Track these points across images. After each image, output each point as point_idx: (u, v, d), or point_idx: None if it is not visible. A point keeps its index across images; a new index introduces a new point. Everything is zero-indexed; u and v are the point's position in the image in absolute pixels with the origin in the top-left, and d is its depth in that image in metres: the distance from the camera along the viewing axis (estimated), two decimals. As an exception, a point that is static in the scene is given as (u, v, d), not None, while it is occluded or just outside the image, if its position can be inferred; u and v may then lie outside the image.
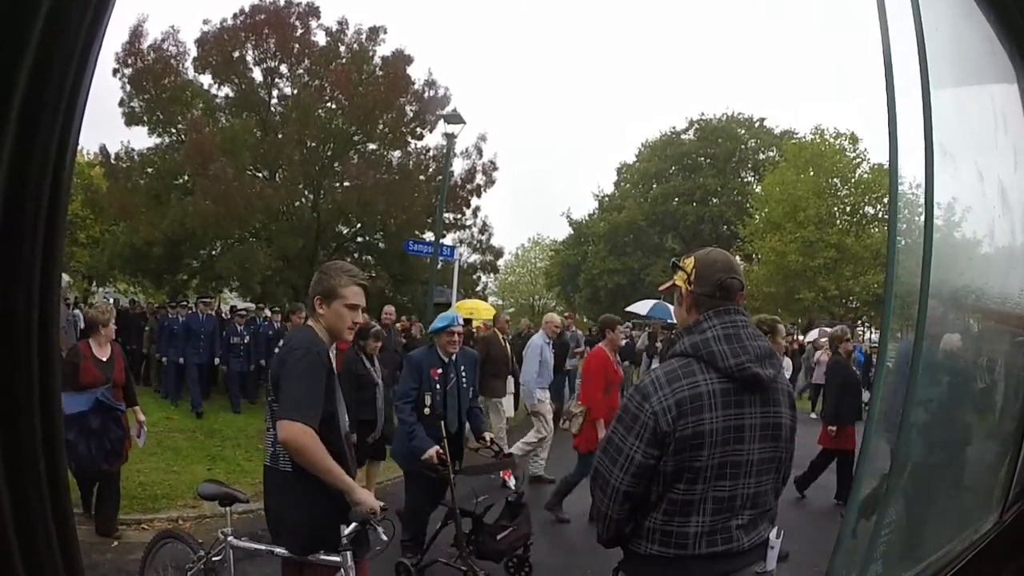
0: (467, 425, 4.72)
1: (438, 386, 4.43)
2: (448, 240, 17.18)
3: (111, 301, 18.29)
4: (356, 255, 19.16)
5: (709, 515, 1.74)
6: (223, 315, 14.31)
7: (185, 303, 12.31)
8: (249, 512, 5.56)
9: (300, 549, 2.41)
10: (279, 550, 2.46)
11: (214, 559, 2.95)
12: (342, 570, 2.34)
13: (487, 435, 4.58)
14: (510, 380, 8.55)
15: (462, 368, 4.57)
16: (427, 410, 4.33)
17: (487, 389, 7.54)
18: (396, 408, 4.44)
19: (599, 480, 1.82)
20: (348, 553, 2.34)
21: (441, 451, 4.09)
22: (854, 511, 1.47)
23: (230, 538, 2.85)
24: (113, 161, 16.22)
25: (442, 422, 4.29)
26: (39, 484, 0.58)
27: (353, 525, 2.33)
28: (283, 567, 2.53)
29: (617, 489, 1.76)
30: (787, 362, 12.90)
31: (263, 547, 2.65)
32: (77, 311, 14.58)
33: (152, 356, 12.01)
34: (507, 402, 8.34)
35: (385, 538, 2.48)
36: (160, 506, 5.42)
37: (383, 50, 17.16)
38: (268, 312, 12.20)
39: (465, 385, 4.60)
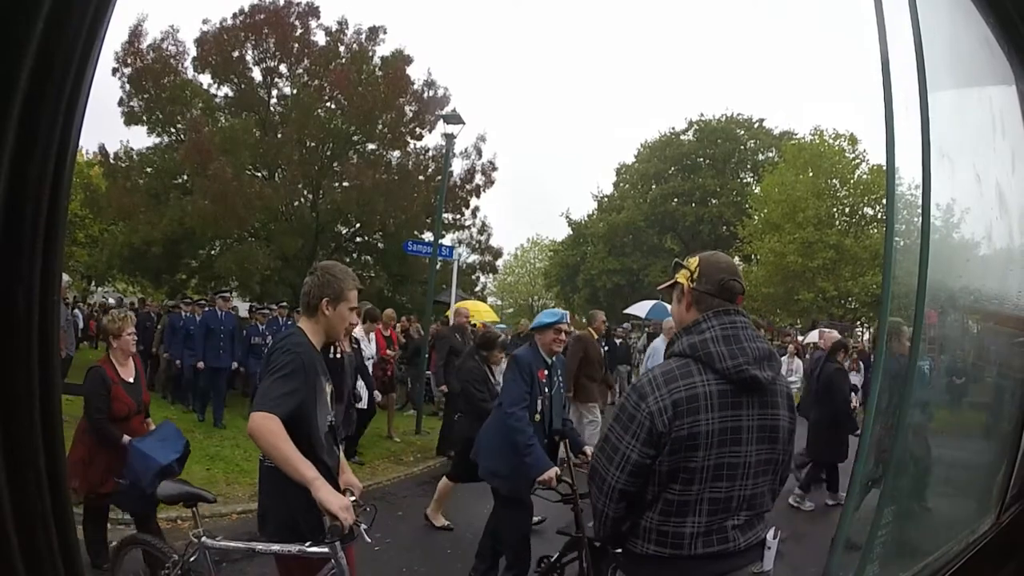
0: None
1: (546, 389, 3.97)
2: (447, 240, 17.19)
3: (120, 301, 18.13)
4: (355, 255, 19.18)
5: (705, 516, 1.74)
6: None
7: (202, 301, 10.91)
8: (248, 512, 5.57)
9: (283, 539, 2.37)
10: (260, 546, 2.41)
11: (190, 561, 2.82)
12: (332, 560, 2.31)
13: (587, 449, 3.99)
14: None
15: (559, 371, 4.14)
16: (538, 416, 3.88)
17: (581, 394, 7.17)
18: (511, 416, 3.78)
19: (596, 478, 1.83)
20: (336, 543, 2.30)
21: (560, 471, 3.62)
22: (851, 511, 1.47)
23: (203, 539, 2.72)
24: (112, 160, 16.24)
25: (565, 441, 3.83)
26: (39, 482, 0.58)
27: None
28: (277, 563, 2.47)
29: (613, 487, 1.77)
30: (797, 363, 12.91)
31: (241, 544, 2.58)
32: (76, 311, 14.57)
33: (163, 359, 10.77)
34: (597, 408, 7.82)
35: (369, 540, 2.42)
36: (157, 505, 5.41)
37: (383, 50, 17.22)
38: (276, 308, 11.08)
39: (563, 390, 4.19)
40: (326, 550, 2.29)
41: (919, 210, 1.37)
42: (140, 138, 20.42)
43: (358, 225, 17.97)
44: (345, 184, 16.71)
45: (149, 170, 16.40)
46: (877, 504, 1.47)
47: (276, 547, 2.37)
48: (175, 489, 2.90)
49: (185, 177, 15.78)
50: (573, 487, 3.54)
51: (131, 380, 4.15)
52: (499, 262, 23.07)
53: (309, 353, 2.38)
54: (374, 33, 17.10)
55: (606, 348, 10.79)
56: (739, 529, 1.78)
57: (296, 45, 16.51)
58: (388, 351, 8.85)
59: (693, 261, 1.92)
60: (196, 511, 2.82)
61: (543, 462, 3.66)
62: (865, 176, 25.23)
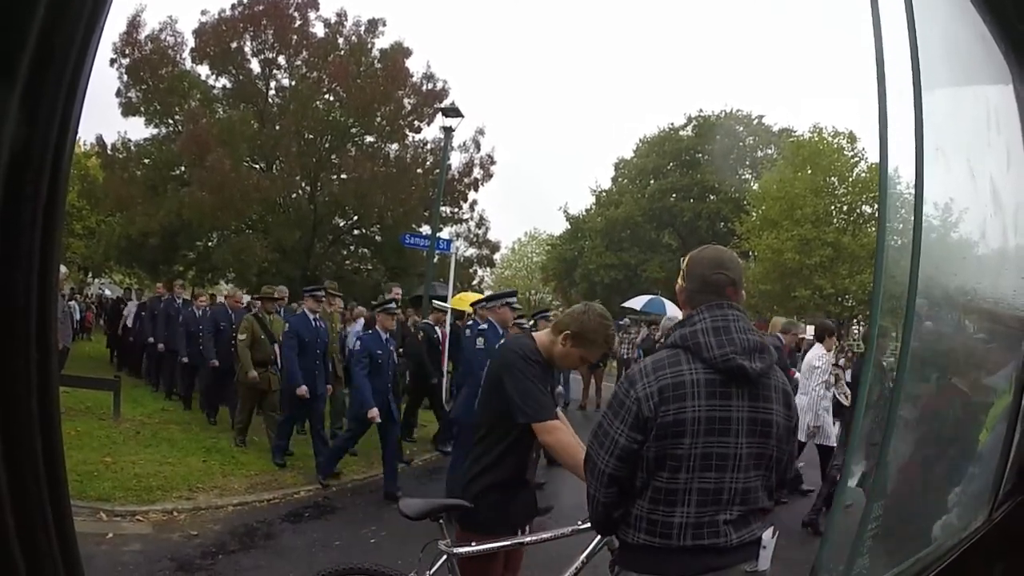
0: None
1: None
2: (445, 233, 17.13)
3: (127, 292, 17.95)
4: (352, 248, 19.18)
5: (694, 507, 1.75)
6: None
7: (321, 293, 7.22)
8: (244, 504, 5.59)
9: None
10: (529, 538, 2.51)
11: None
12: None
13: None
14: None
15: None
16: None
17: None
18: None
19: (589, 463, 1.88)
20: None
21: None
22: (841, 505, 1.48)
23: (452, 548, 2.57)
24: (110, 152, 16.20)
25: None
26: (37, 474, 0.59)
27: None
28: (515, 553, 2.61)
29: (603, 472, 1.81)
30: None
31: (507, 542, 2.54)
32: (73, 302, 14.54)
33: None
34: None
35: None
36: (155, 498, 5.40)
37: (382, 42, 17.17)
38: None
39: None
40: None
41: (912, 208, 1.37)
42: (138, 129, 20.24)
43: (356, 218, 17.96)
44: (343, 176, 16.70)
45: (146, 161, 16.37)
46: (867, 498, 1.48)
47: (548, 534, 2.53)
48: (424, 505, 2.72)
49: (183, 168, 15.75)
50: None
51: None
52: (496, 256, 23.10)
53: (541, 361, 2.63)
54: (373, 25, 17.05)
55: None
56: (732, 525, 1.78)
57: (295, 37, 16.45)
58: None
59: (684, 260, 1.99)
60: (442, 523, 2.65)
61: None
62: (864, 174, 25.18)
